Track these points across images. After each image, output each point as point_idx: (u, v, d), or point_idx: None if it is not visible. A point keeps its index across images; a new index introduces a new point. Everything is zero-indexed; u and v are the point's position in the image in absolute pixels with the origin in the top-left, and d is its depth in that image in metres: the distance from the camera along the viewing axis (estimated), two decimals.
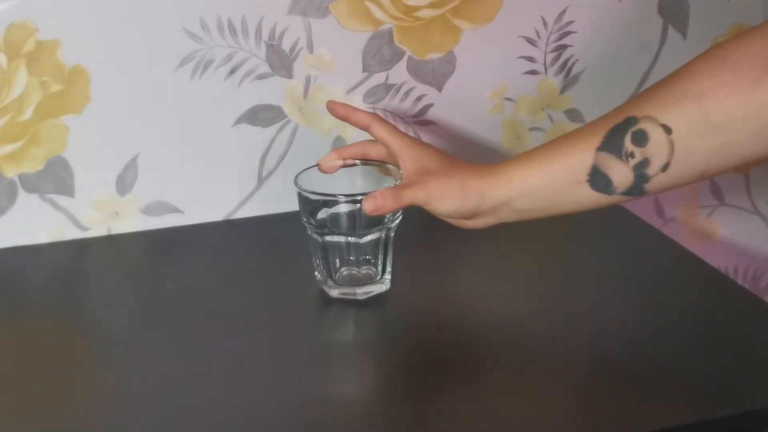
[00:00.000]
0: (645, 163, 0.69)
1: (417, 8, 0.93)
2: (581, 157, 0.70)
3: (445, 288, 0.84)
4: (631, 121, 0.69)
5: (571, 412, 0.64)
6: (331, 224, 0.79)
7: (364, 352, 0.76)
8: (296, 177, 0.79)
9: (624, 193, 0.71)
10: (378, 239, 0.78)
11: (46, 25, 0.85)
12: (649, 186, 0.70)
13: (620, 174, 0.70)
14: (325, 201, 0.78)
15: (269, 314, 0.79)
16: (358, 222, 0.79)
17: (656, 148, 0.68)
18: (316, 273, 0.80)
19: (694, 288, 0.81)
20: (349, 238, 0.78)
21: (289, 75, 0.93)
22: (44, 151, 0.88)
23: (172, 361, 0.72)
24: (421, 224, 0.92)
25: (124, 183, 0.92)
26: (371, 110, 0.96)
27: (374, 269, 0.80)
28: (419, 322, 0.78)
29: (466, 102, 0.99)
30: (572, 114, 1.03)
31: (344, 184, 0.81)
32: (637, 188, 0.70)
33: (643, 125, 0.68)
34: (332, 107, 0.82)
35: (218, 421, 0.64)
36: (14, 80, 0.85)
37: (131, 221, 0.93)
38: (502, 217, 0.75)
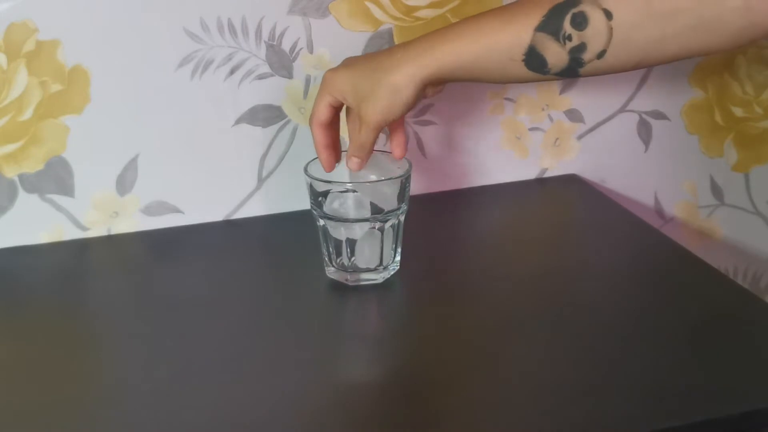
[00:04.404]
0: (582, 47, 0.69)
1: (417, 8, 0.93)
2: (519, 36, 0.70)
3: (452, 274, 0.84)
4: (573, 0, 0.68)
5: (571, 412, 0.64)
6: (341, 212, 0.79)
7: (373, 337, 0.76)
8: (306, 166, 0.80)
9: (558, 74, 0.71)
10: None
11: (46, 25, 0.85)
12: (584, 70, 0.70)
13: (556, 56, 0.70)
14: (334, 189, 0.79)
15: (270, 311, 0.79)
16: (368, 210, 0.79)
17: (594, 33, 0.68)
18: (325, 261, 0.81)
19: (694, 288, 0.81)
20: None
21: (289, 75, 0.93)
22: (44, 151, 0.88)
23: (173, 360, 0.72)
24: (430, 212, 0.93)
25: (124, 183, 0.92)
26: None
27: (384, 256, 0.80)
28: (427, 307, 0.79)
29: (466, 102, 0.99)
30: (572, 114, 1.03)
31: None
32: (571, 71, 0.71)
33: (585, 7, 0.68)
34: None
35: (219, 420, 0.64)
36: (14, 80, 0.85)
37: (131, 221, 0.93)
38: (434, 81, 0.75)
